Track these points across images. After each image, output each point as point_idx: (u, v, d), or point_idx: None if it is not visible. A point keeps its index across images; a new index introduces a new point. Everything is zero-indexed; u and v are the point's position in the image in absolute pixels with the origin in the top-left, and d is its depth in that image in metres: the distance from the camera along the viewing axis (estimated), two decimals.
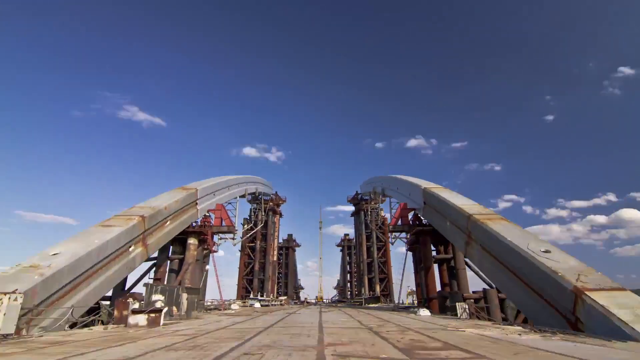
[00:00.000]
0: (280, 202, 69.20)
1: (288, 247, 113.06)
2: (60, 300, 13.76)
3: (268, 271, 63.93)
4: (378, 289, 62.59)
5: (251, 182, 49.75)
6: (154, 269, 26.04)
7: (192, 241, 26.22)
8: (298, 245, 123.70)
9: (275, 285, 72.85)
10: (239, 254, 70.05)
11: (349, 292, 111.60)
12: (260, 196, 65.39)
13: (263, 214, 60.49)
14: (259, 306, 33.05)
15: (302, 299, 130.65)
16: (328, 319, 14.05)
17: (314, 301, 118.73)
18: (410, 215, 30.28)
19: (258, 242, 63.93)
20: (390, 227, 29.55)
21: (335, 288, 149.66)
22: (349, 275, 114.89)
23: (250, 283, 62.94)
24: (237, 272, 66.11)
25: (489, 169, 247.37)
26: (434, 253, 28.04)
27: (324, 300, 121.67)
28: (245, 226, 65.16)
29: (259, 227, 60.90)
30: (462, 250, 20.48)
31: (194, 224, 28.21)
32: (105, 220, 18.62)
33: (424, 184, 29.77)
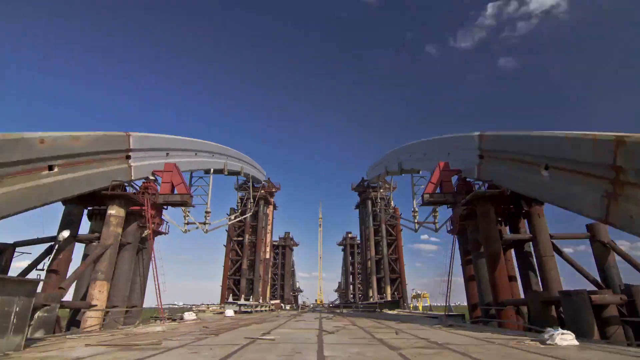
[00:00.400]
0: (274, 189, 59.18)
1: (285, 246, 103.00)
2: None
3: (258, 270, 53.81)
4: (389, 291, 52.50)
5: (234, 158, 39.80)
6: (52, 254, 16.12)
7: (113, 212, 16.17)
8: (296, 244, 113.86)
9: (268, 286, 62.84)
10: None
11: (352, 295, 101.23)
12: (248, 182, 55.50)
13: (251, 201, 50.49)
14: (232, 314, 22.97)
15: (300, 302, 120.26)
16: None
17: (312, 305, 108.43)
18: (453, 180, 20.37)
19: (247, 236, 53.95)
20: (426, 196, 19.46)
21: (336, 291, 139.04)
22: (351, 276, 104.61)
23: (237, 284, 52.90)
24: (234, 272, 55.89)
25: None
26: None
27: (324, 305, 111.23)
28: (232, 217, 55.25)
29: (248, 214, 50.86)
30: (593, 214, 10.69)
31: (129, 189, 18.27)
32: None
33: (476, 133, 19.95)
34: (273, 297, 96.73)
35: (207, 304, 32.50)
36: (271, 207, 63.85)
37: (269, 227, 63.13)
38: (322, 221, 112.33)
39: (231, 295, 47.67)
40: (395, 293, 51.33)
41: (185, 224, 29.60)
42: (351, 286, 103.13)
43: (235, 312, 29.99)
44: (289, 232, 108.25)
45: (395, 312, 28.38)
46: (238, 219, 47.76)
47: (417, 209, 30.48)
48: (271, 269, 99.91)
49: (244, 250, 53.36)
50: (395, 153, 38.06)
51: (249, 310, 29.22)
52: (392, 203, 49.43)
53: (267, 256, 61.01)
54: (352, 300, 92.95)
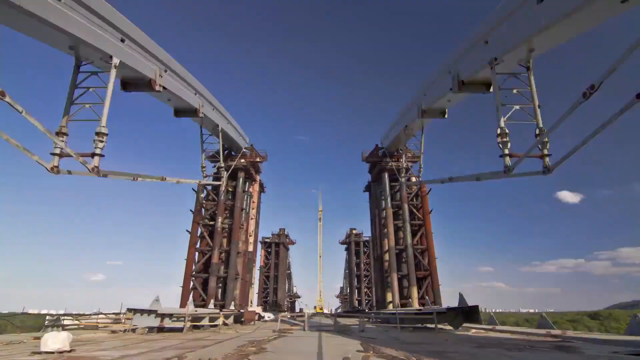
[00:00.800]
0: (259, 159, 44.40)
1: (279, 244, 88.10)
2: None
3: (235, 266, 38.97)
4: (415, 294, 37.56)
5: (185, 82, 25.25)
6: None
7: None
8: (292, 243, 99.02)
9: (252, 289, 48.00)
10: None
11: (357, 301, 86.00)
12: (225, 146, 40.94)
13: (221, 164, 35.74)
14: (56, 346, 8.17)
15: (298, 309, 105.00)
16: None
17: (311, 313, 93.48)
18: None
19: (219, 219, 39.20)
20: None
21: (337, 297, 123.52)
22: (356, 279, 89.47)
23: (205, 285, 38.11)
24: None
25: None
26: None
27: (325, 312, 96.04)
28: (202, 194, 40.69)
29: (221, 181, 36.32)
30: None
31: None
32: None
33: None
34: (264, 303, 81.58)
35: (118, 313, 17.96)
36: (256, 185, 49.16)
37: (253, 212, 48.39)
38: (323, 214, 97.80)
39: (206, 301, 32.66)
40: (419, 297, 36.49)
41: (54, 155, 15.05)
42: (356, 290, 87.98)
43: (155, 329, 15.21)
44: (284, 229, 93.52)
45: (471, 332, 13.82)
46: (214, 182, 32.89)
47: (507, 131, 15.93)
48: (262, 270, 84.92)
49: (215, 238, 38.52)
50: (439, 72, 23.53)
51: (179, 326, 14.65)
52: (421, 171, 34.64)
53: (250, 248, 46.11)
54: (358, 307, 77.75)
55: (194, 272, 37.98)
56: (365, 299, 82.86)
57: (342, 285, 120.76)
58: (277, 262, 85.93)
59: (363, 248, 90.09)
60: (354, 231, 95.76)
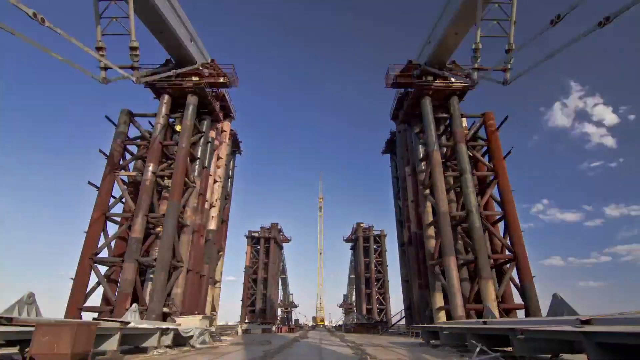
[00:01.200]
0: (222, 79, 27.99)
1: (269, 239, 71.59)
2: None
3: (169, 246, 22.53)
4: (492, 292, 21.19)
5: None
6: None
7: None
8: (287, 240, 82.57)
9: (214, 289, 31.23)
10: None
11: (367, 310, 68.62)
12: (167, 61, 24.87)
13: (135, 46, 19.29)
14: None
15: (294, 321, 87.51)
16: None
17: (309, 326, 76.53)
18: None
19: (151, 167, 22.99)
20: None
21: (340, 306, 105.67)
22: (365, 284, 72.11)
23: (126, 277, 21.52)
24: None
25: None
26: None
27: (326, 325, 78.92)
28: (124, 127, 24.73)
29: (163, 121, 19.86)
30: None
31: None
32: None
33: None
34: (250, 312, 64.69)
35: None
36: (225, 135, 32.91)
37: (220, 172, 31.96)
38: (323, 202, 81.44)
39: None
40: (497, 300, 19.94)
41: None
42: (366, 297, 70.63)
43: None
44: (276, 223, 76.95)
45: None
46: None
47: None
48: (247, 271, 68.20)
49: (141, 196, 22.18)
50: None
51: None
52: (512, 48, 18.37)
53: (212, 226, 29.55)
54: (371, 317, 60.59)
55: (97, 255, 21.57)
56: (378, 307, 65.87)
57: (345, 293, 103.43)
58: (267, 261, 69.17)
59: (373, 245, 73.35)
60: (361, 225, 79.05)
